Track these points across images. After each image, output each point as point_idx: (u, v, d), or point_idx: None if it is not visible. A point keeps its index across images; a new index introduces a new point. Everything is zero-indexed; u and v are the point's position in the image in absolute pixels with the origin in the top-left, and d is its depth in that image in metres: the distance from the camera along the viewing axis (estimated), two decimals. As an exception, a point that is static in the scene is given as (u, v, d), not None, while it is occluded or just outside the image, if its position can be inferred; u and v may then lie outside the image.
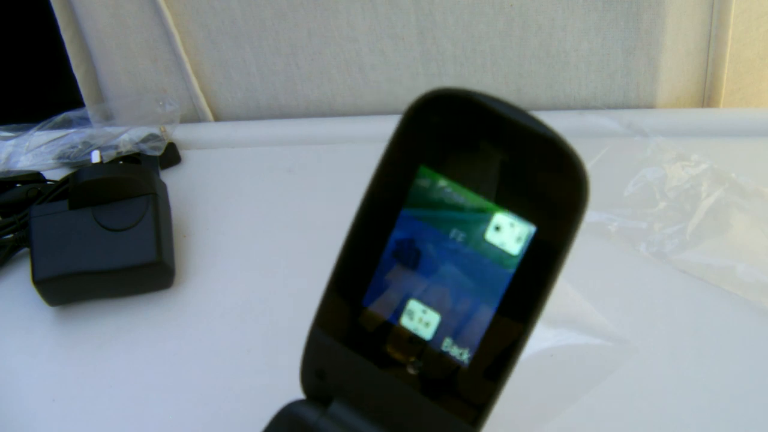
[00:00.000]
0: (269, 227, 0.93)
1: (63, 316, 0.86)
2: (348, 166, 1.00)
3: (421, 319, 0.43)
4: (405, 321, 0.43)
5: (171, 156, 1.03)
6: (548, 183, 0.40)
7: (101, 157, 0.94)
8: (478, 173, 0.41)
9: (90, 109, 1.06)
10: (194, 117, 1.12)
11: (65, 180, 0.91)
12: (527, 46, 0.99)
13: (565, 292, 0.80)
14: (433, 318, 0.43)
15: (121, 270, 0.83)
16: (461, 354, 0.42)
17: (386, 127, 1.04)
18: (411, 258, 0.43)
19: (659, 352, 0.74)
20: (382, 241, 0.44)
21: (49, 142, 1.01)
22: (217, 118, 1.13)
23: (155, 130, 1.01)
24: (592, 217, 0.86)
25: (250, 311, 0.84)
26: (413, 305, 0.43)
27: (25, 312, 0.87)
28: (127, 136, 0.99)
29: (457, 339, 0.42)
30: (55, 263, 0.83)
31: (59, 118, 1.03)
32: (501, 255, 0.41)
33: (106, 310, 0.86)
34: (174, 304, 0.86)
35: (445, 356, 0.42)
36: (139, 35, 1.06)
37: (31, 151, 1.00)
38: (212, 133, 1.08)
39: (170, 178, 0.98)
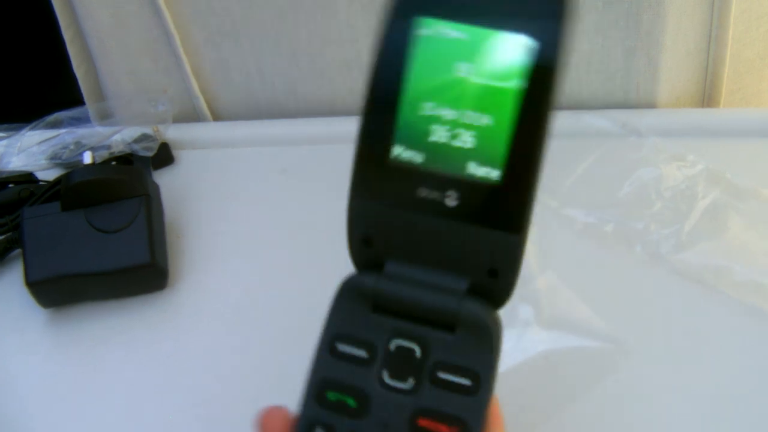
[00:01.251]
0: (263, 228, 0.93)
1: (56, 317, 0.86)
2: (343, 166, 0.99)
3: (446, 152, 0.44)
4: (432, 159, 0.45)
5: (164, 156, 1.02)
6: None
7: (93, 157, 0.94)
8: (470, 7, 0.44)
9: (90, 109, 1.06)
10: (194, 117, 1.11)
11: (57, 181, 0.91)
12: (527, 46, 0.98)
13: (561, 294, 0.79)
14: (459, 146, 0.44)
15: (114, 272, 0.83)
16: (491, 173, 0.43)
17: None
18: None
19: (655, 353, 0.73)
20: (397, 92, 0.45)
21: (41, 142, 1.01)
22: (217, 119, 1.13)
23: (148, 130, 1.01)
24: (587, 217, 0.85)
25: (245, 312, 0.84)
26: (438, 134, 0.44)
27: (18, 314, 0.86)
28: (120, 137, 0.99)
29: (484, 159, 0.43)
30: (47, 265, 0.83)
31: (51, 118, 1.03)
32: (506, 73, 0.43)
33: (99, 312, 0.86)
34: (168, 305, 0.86)
35: (477, 179, 0.44)
36: (139, 35, 1.06)
37: (23, 151, 1.00)
38: (206, 133, 1.08)
39: (163, 178, 0.98)
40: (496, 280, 0.46)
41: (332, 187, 0.96)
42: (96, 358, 0.82)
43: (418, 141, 0.45)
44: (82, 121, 1.04)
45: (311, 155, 1.02)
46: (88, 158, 0.93)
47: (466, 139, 0.44)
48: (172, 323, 0.84)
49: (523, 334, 0.76)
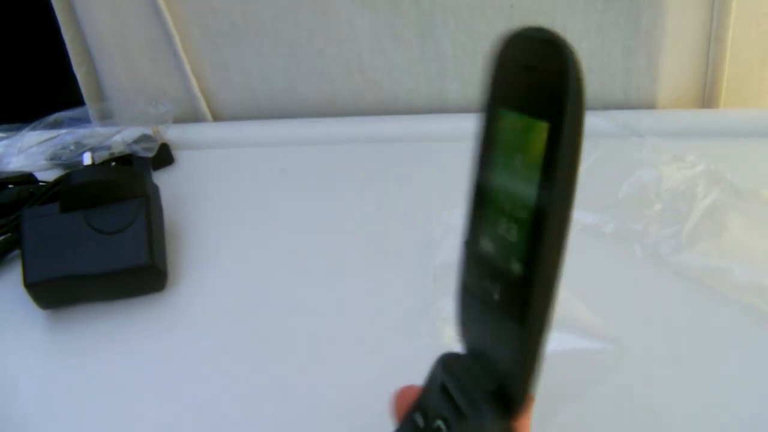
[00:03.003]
0: (262, 228, 0.93)
1: (55, 319, 0.86)
2: (342, 166, 1.00)
3: (503, 245, 0.46)
4: (497, 250, 0.46)
5: (164, 157, 1.02)
6: (550, 77, 0.42)
7: (93, 158, 0.94)
8: (515, 94, 0.45)
9: (90, 109, 1.06)
10: (194, 118, 1.12)
11: (57, 182, 0.91)
12: (527, 46, 0.99)
13: (560, 294, 0.79)
14: (508, 239, 0.45)
15: (113, 273, 0.83)
16: (517, 266, 0.44)
17: (385, 127, 1.05)
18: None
19: (654, 353, 0.73)
20: (483, 188, 0.48)
21: (42, 142, 1.01)
22: (217, 119, 1.13)
23: (148, 131, 1.01)
24: (587, 218, 0.85)
25: (244, 313, 0.84)
26: (502, 227, 0.46)
27: (16, 315, 0.86)
28: (120, 137, 0.99)
29: (518, 254, 0.44)
30: (46, 266, 0.82)
31: (51, 118, 1.03)
32: (534, 164, 0.43)
33: (98, 313, 0.85)
34: (167, 306, 0.86)
35: (509, 273, 0.45)
36: (139, 36, 1.06)
37: (24, 151, 1.00)
38: (205, 133, 1.08)
39: (163, 178, 0.98)
40: (511, 382, 0.46)
41: (332, 187, 0.97)
42: (95, 359, 0.82)
43: (493, 232, 0.46)
44: (82, 121, 1.04)
45: (311, 155, 1.02)
46: (87, 159, 0.93)
47: (513, 233, 0.44)
48: (171, 324, 0.84)
49: (523, 334, 0.76)
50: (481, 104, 0.48)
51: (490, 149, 0.47)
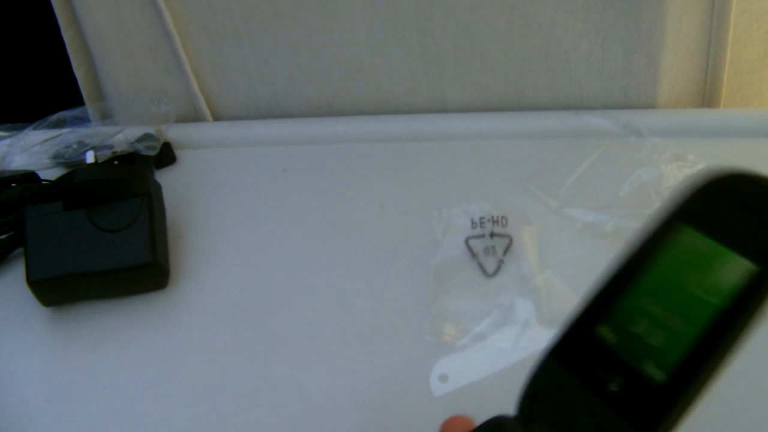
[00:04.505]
0: (264, 227, 0.93)
1: (57, 316, 0.86)
2: (343, 165, 1.00)
3: (636, 343, 0.46)
4: (622, 345, 0.46)
5: (166, 156, 1.02)
6: None
7: (96, 157, 0.94)
8: (726, 228, 0.46)
9: (90, 108, 1.06)
10: (193, 118, 1.12)
11: (60, 180, 0.91)
12: (527, 46, 0.99)
13: (561, 293, 0.79)
14: (648, 342, 0.45)
15: (115, 271, 0.83)
16: (658, 374, 0.44)
17: (385, 127, 1.05)
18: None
19: (654, 353, 0.73)
20: (633, 279, 0.48)
21: (44, 141, 1.01)
22: (217, 119, 1.13)
23: (150, 130, 1.01)
24: (587, 217, 0.85)
25: (245, 311, 0.84)
26: (639, 326, 0.46)
27: (19, 312, 0.86)
28: (123, 136, 0.99)
29: (661, 361, 0.44)
30: (49, 264, 0.83)
31: (54, 117, 1.03)
32: (718, 290, 0.44)
33: (100, 311, 0.86)
34: (169, 304, 0.86)
35: (644, 375, 0.45)
36: (139, 36, 1.06)
37: (26, 150, 1.00)
38: (207, 132, 1.08)
39: (165, 177, 0.98)
40: None
41: (332, 187, 0.97)
42: (97, 357, 0.82)
43: (621, 326, 0.46)
44: (85, 120, 1.04)
45: (311, 155, 1.02)
46: (90, 158, 0.93)
47: (658, 339, 0.45)
48: (173, 322, 0.84)
49: (523, 332, 0.77)
50: (665, 211, 0.49)
51: (653, 251, 0.48)
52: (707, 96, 1.01)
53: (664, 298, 0.45)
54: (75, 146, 1.00)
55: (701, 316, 0.43)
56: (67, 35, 1.07)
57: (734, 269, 0.43)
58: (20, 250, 0.91)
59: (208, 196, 0.97)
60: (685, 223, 0.47)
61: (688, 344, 0.43)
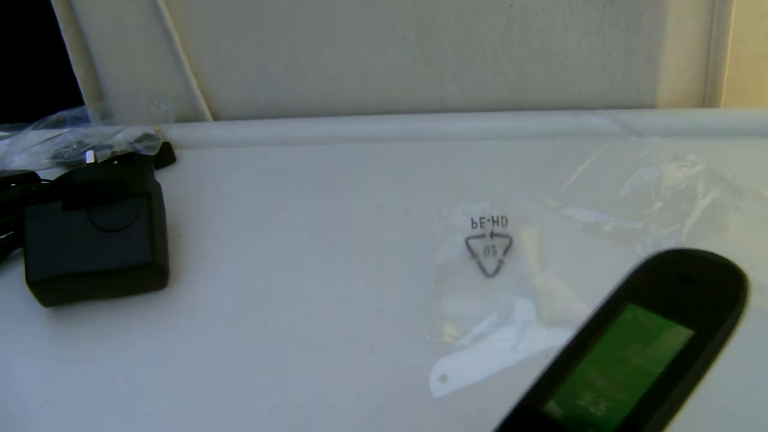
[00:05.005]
0: (264, 227, 0.93)
1: (57, 316, 0.86)
2: (343, 165, 1.00)
3: (579, 414, 0.47)
4: (567, 418, 0.48)
5: (166, 156, 1.02)
6: (713, 293, 0.48)
7: (95, 157, 0.94)
8: (665, 301, 0.49)
9: (90, 108, 1.06)
10: (193, 117, 1.12)
11: (59, 180, 0.91)
12: (527, 46, 0.99)
13: (561, 293, 0.79)
14: (592, 412, 0.47)
15: (114, 271, 0.83)
16: None
17: (385, 127, 1.05)
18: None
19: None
20: (581, 356, 0.50)
21: (44, 141, 1.01)
22: (217, 119, 1.13)
23: (150, 130, 1.01)
24: (587, 217, 0.85)
25: (245, 312, 0.84)
26: (584, 398, 0.48)
27: (18, 312, 0.86)
28: (122, 136, 0.99)
29: (600, 428, 0.46)
30: (48, 264, 0.83)
31: (53, 117, 1.03)
32: (659, 359, 0.47)
33: (100, 311, 0.86)
34: (168, 304, 0.86)
35: None
36: (138, 35, 1.06)
37: (26, 150, 1.00)
38: (207, 132, 1.08)
39: (165, 177, 0.98)
40: None
41: (332, 186, 0.97)
42: (96, 357, 0.82)
43: (568, 400, 0.48)
44: (85, 120, 1.04)
45: (311, 155, 1.02)
46: (90, 157, 0.93)
47: (601, 408, 0.46)
48: (173, 322, 0.84)
49: (523, 332, 0.77)
50: (612, 293, 0.52)
51: (601, 329, 0.50)
52: (707, 96, 1.01)
53: (608, 371, 0.47)
54: (75, 146, 1.00)
55: (642, 383, 0.45)
56: (66, 35, 1.07)
57: (673, 336, 0.46)
58: (19, 250, 0.91)
59: (207, 196, 0.97)
60: (631, 302, 0.50)
61: (629, 411, 0.45)
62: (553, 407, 0.48)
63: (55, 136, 1.02)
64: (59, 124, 1.03)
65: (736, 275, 0.49)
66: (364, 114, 1.08)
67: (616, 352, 0.48)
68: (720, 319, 0.46)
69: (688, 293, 0.49)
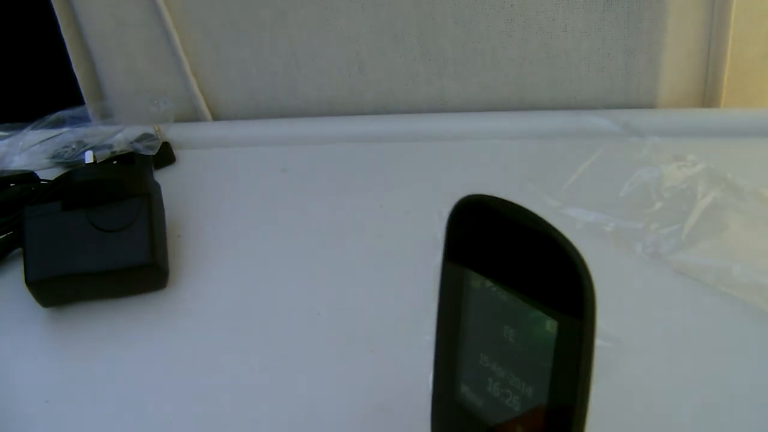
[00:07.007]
0: (264, 227, 0.93)
1: (56, 317, 0.86)
2: (343, 165, 1.00)
3: (500, 407, 0.45)
4: (489, 409, 0.46)
5: (165, 156, 1.02)
6: (557, 279, 0.42)
7: (95, 157, 0.94)
8: (511, 273, 0.44)
9: (89, 108, 1.06)
10: (193, 117, 1.12)
11: (59, 180, 0.91)
12: (527, 46, 0.99)
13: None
14: (509, 406, 0.45)
15: (114, 271, 0.83)
16: None
17: (385, 127, 1.05)
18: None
19: (655, 352, 0.73)
20: (459, 336, 0.48)
21: (43, 141, 1.01)
22: (216, 119, 1.13)
23: (150, 130, 1.01)
24: (587, 217, 0.85)
25: (245, 312, 0.84)
26: (492, 387, 0.46)
27: (18, 313, 0.86)
28: (122, 136, 0.99)
29: (530, 428, 0.44)
30: (48, 264, 0.83)
31: (53, 117, 1.03)
32: (541, 350, 0.42)
33: (99, 312, 0.86)
34: (168, 305, 0.86)
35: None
36: (138, 35, 1.06)
37: (25, 150, 1.00)
38: (207, 132, 1.08)
39: (164, 177, 0.98)
40: None
41: (332, 186, 0.97)
42: (96, 358, 0.82)
43: (479, 387, 0.46)
44: (84, 120, 1.04)
45: (311, 155, 1.02)
46: (89, 157, 0.93)
47: (514, 402, 0.44)
48: (172, 323, 0.84)
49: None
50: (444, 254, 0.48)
51: (459, 305, 0.47)
52: (707, 96, 1.01)
53: (498, 356, 0.44)
54: (74, 146, 1.00)
55: (544, 380, 0.42)
56: (66, 35, 1.07)
57: (540, 324, 0.42)
58: (19, 250, 0.91)
59: (207, 196, 0.97)
60: (473, 269, 0.46)
61: (546, 413, 0.42)
62: (468, 393, 0.47)
63: (55, 136, 1.02)
64: (59, 124, 1.03)
65: (563, 254, 0.43)
66: (363, 114, 1.08)
67: (493, 332, 0.44)
68: (579, 305, 0.41)
69: (524, 264, 0.43)
